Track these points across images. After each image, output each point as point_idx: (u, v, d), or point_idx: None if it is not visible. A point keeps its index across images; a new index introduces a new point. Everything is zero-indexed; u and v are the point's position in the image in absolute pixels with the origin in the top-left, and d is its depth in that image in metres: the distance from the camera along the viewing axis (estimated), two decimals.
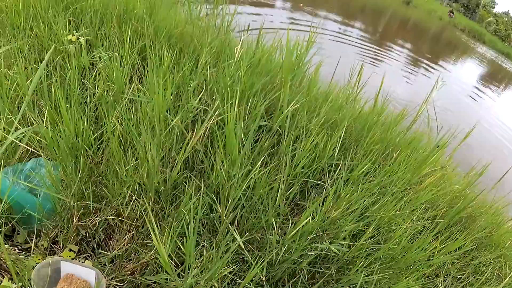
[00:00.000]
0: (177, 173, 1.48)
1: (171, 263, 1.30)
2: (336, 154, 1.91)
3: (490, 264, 2.12)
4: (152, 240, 1.40)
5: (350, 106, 2.63)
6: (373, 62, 6.47)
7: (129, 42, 1.86)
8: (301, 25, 6.58)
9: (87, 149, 1.48)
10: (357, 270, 1.36)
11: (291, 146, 1.83)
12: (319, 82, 2.66)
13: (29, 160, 1.51)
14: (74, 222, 1.41)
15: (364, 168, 1.64)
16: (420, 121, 2.65)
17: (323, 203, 1.50)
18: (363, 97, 2.76)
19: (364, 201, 1.51)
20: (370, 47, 7.05)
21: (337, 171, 1.83)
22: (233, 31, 3.13)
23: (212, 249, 1.30)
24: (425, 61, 7.06)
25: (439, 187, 2.12)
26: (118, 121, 1.56)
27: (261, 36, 2.50)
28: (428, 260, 1.68)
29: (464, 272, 2.01)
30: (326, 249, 1.26)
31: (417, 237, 1.79)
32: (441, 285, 1.85)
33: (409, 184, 2.01)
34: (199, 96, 1.69)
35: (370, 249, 1.51)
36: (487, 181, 2.62)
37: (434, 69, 6.84)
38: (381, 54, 6.97)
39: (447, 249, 1.77)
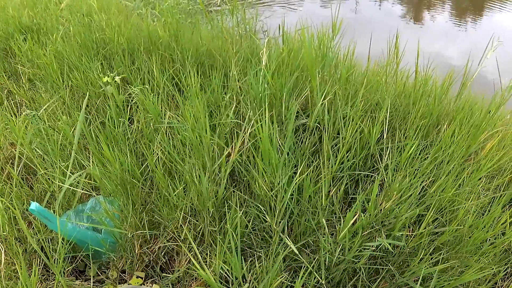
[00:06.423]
0: (224, 189, 1.51)
1: (230, 278, 1.33)
2: (385, 137, 1.83)
3: None
4: (211, 258, 1.45)
5: (392, 81, 2.49)
6: (414, 24, 6.09)
7: (160, 71, 1.93)
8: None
9: (137, 181, 1.56)
10: (421, 259, 1.29)
11: (333, 139, 1.79)
12: (356, 62, 2.56)
13: (89, 200, 1.63)
14: (136, 251, 1.50)
15: (413, 148, 1.54)
16: (479, 81, 2.41)
17: (376, 195, 1.44)
18: (406, 68, 2.59)
19: (417, 185, 1.42)
20: (408, 6, 6.66)
21: (386, 155, 1.75)
22: (259, 33, 3.12)
23: (268, 259, 1.30)
24: (469, 13, 6.50)
25: (503, 150, 1.94)
26: (160, 150, 1.63)
27: (285, 33, 2.45)
28: (497, 235, 1.55)
29: None
30: (381, 244, 1.21)
31: (487, 211, 1.65)
32: None
33: (468, 155, 1.86)
34: (232, 109, 1.71)
35: (433, 234, 1.43)
36: None
37: (481, 18, 6.28)
38: (422, 13, 6.54)
39: None
